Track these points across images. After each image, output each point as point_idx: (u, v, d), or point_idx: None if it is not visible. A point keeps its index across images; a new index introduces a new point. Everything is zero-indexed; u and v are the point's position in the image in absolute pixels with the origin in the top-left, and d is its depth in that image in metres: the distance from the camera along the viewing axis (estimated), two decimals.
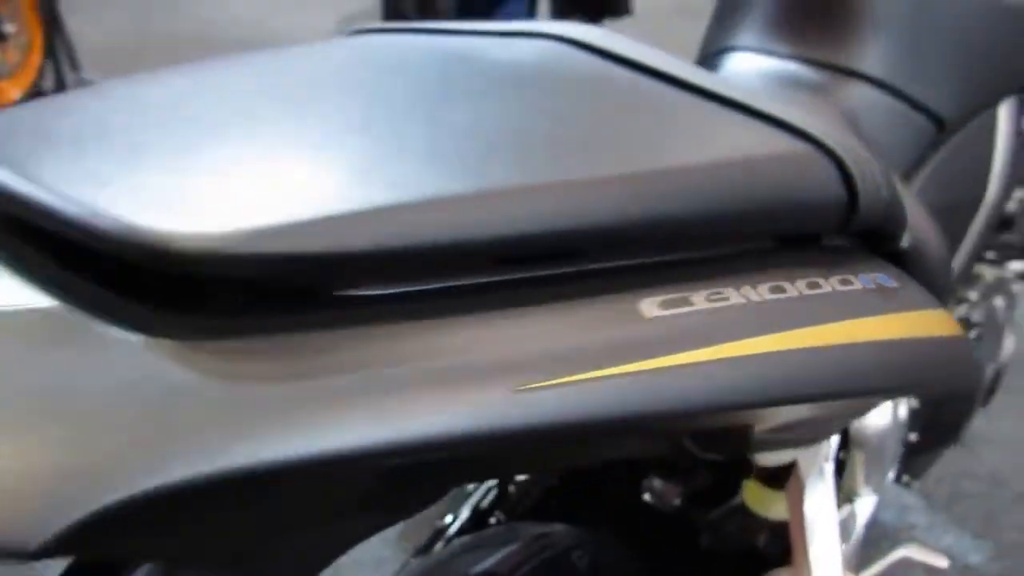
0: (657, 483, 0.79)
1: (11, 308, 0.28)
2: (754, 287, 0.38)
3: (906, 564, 0.88)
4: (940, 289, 0.50)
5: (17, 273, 0.30)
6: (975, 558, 1.25)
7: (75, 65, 2.50)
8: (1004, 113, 0.88)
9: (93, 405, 0.26)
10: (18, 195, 0.29)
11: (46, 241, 0.30)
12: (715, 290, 0.37)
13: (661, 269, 0.37)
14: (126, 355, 0.28)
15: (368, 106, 0.39)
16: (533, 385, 0.31)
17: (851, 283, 0.42)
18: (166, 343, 0.28)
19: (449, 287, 0.33)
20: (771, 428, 0.42)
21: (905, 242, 0.47)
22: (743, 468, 0.72)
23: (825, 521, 0.63)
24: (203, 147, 0.34)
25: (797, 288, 0.39)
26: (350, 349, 0.30)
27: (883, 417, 0.82)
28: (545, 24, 0.49)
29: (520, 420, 0.31)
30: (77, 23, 2.61)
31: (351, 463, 0.29)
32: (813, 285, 0.40)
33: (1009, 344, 1.09)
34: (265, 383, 0.28)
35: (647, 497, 0.79)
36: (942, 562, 0.89)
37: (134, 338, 0.28)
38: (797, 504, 0.63)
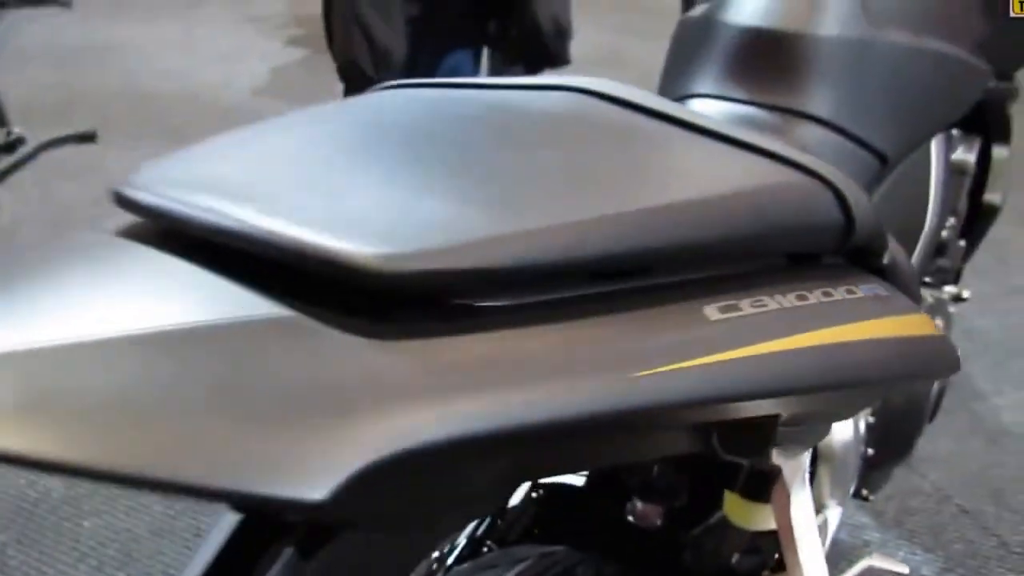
0: (640, 506, 0.82)
1: (258, 316, 0.33)
2: (784, 295, 0.46)
3: (871, 573, 0.93)
4: (913, 298, 0.57)
5: (236, 285, 0.34)
6: (927, 570, 1.31)
7: (3, 121, 2.45)
8: (935, 148, 0.96)
9: (338, 389, 0.31)
10: (235, 230, 0.34)
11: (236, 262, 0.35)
12: (756, 298, 0.44)
13: (712, 282, 0.44)
14: (353, 353, 0.33)
15: (456, 150, 0.44)
16: (647, 371, 0.38)
17: (855, 292, 0.49)
18: (370, 343, 0.33)
19: (564, 297, 0.39)
20: (797, 418, 0.47)
21: (885, 259, 0.54)
22: (725, 482, 0.76)
23: (810, 528, 0.67)
24: (349, 184, 0.39)
25: (815, 296, 0.47)
26: (502, 348, 0.36)
27: (846, 432, 0.87)
28: (568, 78, 0.55)
29: (643, 399, 0.37)
30: (2, 79, 2.56)
31: (512, 438, 0.34)
32: (827, 294, 0.48)
33: None
34: (447, 374, 0.34)
35: (631, 519, 0.81)
36: (904, 569, 0.94)
37: (351, 339, 0.33)
38: (784, 512, 0.66)
